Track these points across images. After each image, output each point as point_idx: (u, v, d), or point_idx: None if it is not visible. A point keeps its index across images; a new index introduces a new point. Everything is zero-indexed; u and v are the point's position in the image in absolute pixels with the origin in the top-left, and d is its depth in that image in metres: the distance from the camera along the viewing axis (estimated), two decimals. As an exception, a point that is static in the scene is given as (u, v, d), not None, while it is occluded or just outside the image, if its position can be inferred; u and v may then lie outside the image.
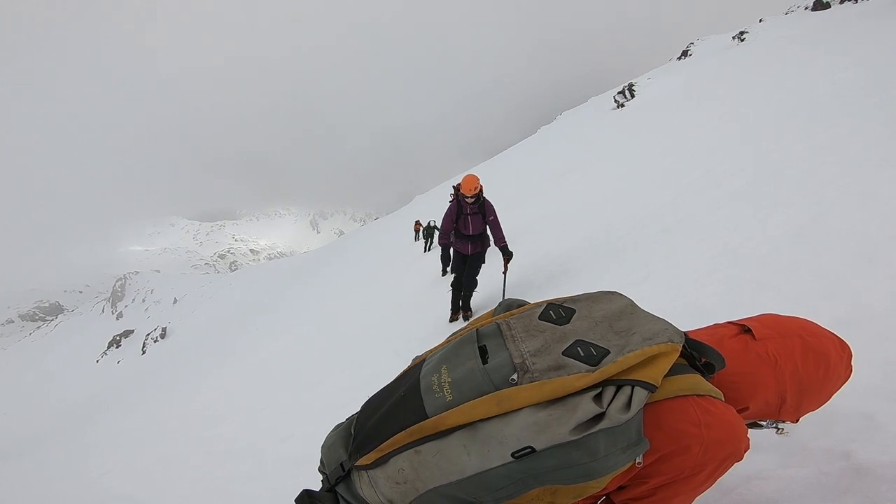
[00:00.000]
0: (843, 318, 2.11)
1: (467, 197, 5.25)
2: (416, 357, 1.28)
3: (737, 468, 1.50)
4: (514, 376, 0.97)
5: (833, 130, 4.98)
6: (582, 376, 0.94)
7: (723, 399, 1.06)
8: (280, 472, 3.76)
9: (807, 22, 15.71)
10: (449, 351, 1.11)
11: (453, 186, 5.69)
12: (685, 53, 22.39)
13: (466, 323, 1.38)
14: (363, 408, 1.17)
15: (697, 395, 1.02)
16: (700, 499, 1.29)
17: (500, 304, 1.31)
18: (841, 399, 1.63)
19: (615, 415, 0.90)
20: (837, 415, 1.58)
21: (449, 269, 6.18)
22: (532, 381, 0.95)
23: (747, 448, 1.05)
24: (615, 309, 1.12)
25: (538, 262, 6.04)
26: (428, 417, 0.99)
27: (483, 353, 1.07)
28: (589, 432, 0.90)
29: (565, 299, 1.18)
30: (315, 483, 1.14)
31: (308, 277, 21.46)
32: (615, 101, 19.75)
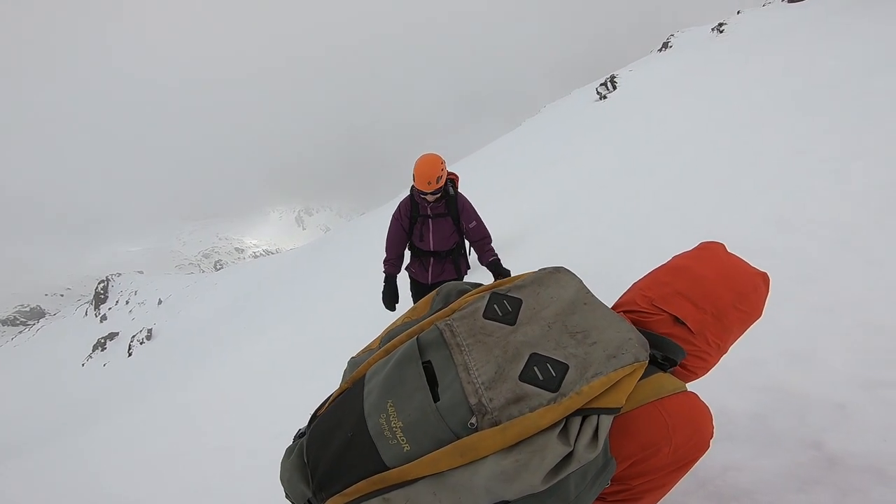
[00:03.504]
0: (821, 305, 2.14)
1: (424, 193, 3.46)
2: (353, 361, 1.20)
3: (712, 460, 1.53)
4: (473, 420, 0.89)
5: (812, 121, 5.04)
6: (546, 411, 0.87)
7: (685, 389, 1.05)
8: (273, 469, 3.74)
9: (784, 14, 15.85)
10: (392, 377, 1.00)
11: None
12: (665, 45, 22.52)
13: (401, 316, 1.30)
14: (311, 434, 1.09)
15: (662, 398, 1.00)
16: (675, 491, 1.30)
17: (438, 293, 1.23)
18: (815, 388, 1.67)
19: (584, 454, 0.86)
20: (811, 404, 1.61)
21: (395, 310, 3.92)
22: (493, 424, 0.88)
23: (712, 436, 1.05)
24: (566, 299, 1.06)
25: (518, 252, 6.05)
26: (388, 468, 0.92)
27: (429, 374, 0.98)
28: (559, 478, 0.86)
29: (510, 287, 1.11)
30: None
31: (295, 275, 21.28)
32: (598, 92, 19.80)
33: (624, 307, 1.22)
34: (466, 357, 0.97)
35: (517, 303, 1.05)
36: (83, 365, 39.42)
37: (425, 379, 0.96)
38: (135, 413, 9.79)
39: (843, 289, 2.22)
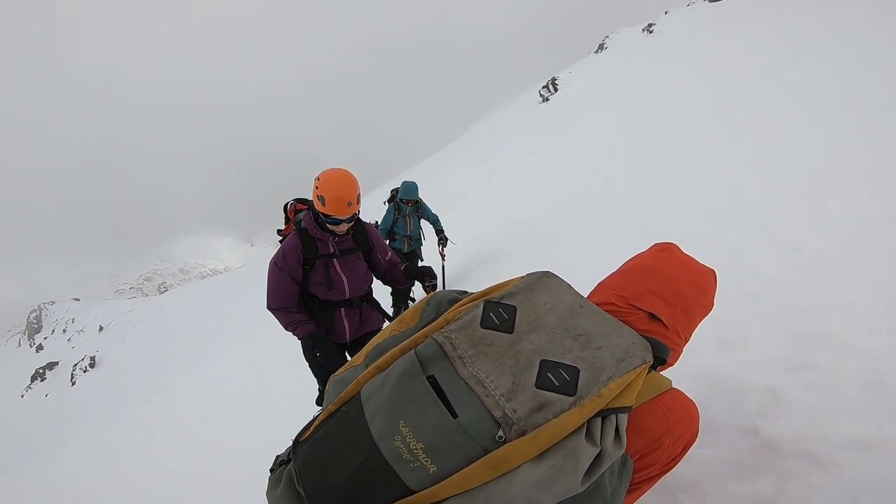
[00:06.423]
0: (746, 290, 2.24)
1: (337, 222, 2.49)
2: (337, 380, 1.14)
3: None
4: (500, 433, 0.87)
5: (740, 115, 5.37)
6: (570, 415, 0.87)
7: (672, 385, 1.13)
8: (233, 487, 3.61)
9: (708, 13, 16.82)
10: (395, 393, 0.95)
11: (288, 207, 2.84)
12: (601, 47, 23.32)
13: (386, 328, 1.24)
14: (305, 462, 1.00)
15: (660, 394, 1.09)
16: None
17: (429, 302, 1.20)
18: (746, 374, 1.72)
19: (612, 451, 0.89)
20: (744, 390, 1.66)
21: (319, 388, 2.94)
22: (521, 434, 0.86)
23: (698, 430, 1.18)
24: (563, 305, 1.06)
25: (469, 246, 6.11)
26: (413, 491, 0.88)
27: (436, 389, 0.94)
28: (595, 477, 0.88)
29: (503, 294, 1.09)
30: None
31: (245, 294, 20.64)
32: (540, 95, 20.31)
33: (602, 308, 1.24)
34: (471, 369, 0.95)
35: (512, 310, 1.04)
36: (22, 396, 37.11)
37: (436, 395, 0.93)
38: (82, 443, 9.36)
39: (764, 275, 2.33)
